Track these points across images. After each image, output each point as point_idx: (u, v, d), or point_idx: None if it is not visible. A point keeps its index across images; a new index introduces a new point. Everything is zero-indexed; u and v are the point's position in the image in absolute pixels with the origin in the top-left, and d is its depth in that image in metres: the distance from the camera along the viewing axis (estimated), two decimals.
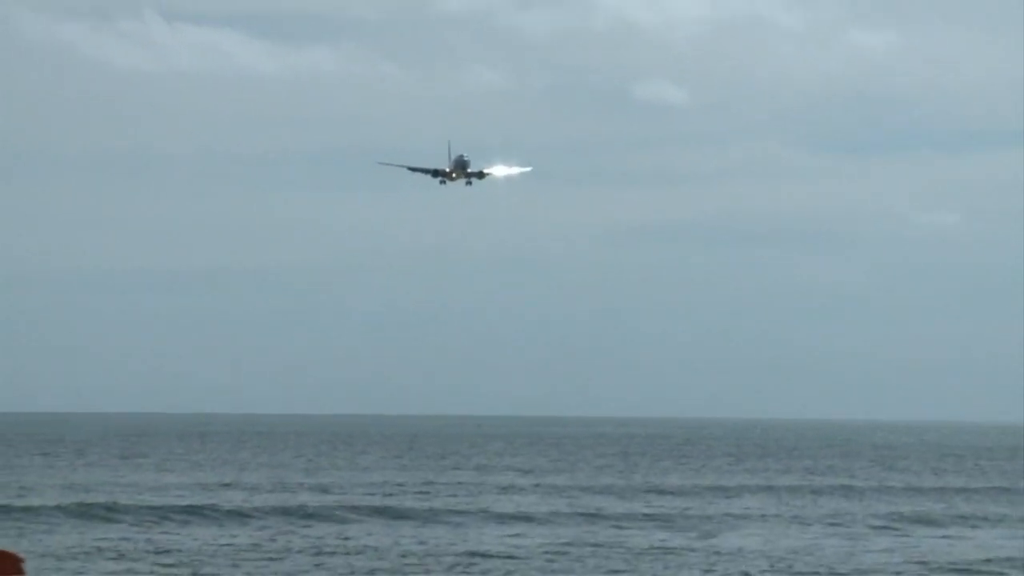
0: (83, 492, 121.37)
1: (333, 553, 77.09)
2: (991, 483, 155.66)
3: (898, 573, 70.17)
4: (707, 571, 70.21)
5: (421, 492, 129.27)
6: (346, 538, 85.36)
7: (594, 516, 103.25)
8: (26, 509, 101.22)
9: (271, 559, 73.49)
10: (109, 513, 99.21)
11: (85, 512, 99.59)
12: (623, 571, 69.63)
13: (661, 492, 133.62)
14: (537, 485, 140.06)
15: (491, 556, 75.17)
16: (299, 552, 76.57)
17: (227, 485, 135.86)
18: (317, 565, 71.36)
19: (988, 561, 74.78)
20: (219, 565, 71.08)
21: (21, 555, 18.48)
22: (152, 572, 68.21)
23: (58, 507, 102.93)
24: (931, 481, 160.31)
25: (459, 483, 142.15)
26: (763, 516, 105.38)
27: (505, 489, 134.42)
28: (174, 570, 68.20)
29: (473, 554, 76.02)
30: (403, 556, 75.33)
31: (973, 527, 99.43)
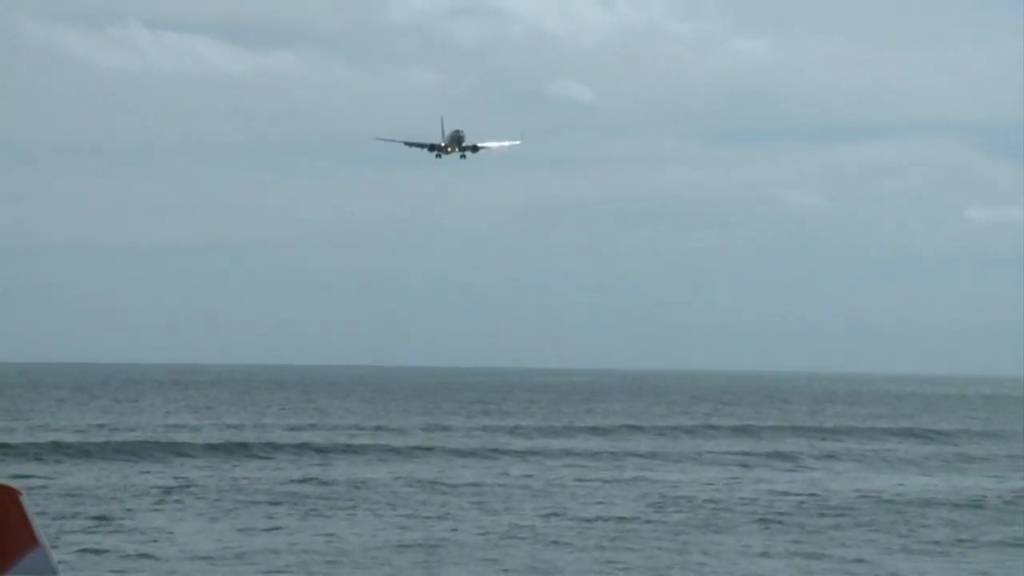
0: (95, 431, 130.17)
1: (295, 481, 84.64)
2: (853, 423, 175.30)
3: (774, 500, 79.18)
4: (607, 493, 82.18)
5: (377, 429, 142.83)
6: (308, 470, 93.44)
7: (526, 453, 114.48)
8: (32, 445, 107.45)
9: (247, 489, 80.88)
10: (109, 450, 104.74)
11: (90, 449, 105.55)
12: (542, 493, 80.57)
13: (579, 432, 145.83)
14: (473, 428, 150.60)
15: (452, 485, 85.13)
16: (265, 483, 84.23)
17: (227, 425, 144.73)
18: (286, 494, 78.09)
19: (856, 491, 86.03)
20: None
21: (19, 488, 15.63)
22: (149, 504, 72.88)
23: (60, 444, 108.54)
24: (807, 421, 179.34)
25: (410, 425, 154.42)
26: (664, 452, 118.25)
27: (450, 428, 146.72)
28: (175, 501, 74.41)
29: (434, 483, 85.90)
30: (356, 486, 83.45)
31: (837, 461, 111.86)
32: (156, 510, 71.12)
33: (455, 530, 65.12)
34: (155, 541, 60.23)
